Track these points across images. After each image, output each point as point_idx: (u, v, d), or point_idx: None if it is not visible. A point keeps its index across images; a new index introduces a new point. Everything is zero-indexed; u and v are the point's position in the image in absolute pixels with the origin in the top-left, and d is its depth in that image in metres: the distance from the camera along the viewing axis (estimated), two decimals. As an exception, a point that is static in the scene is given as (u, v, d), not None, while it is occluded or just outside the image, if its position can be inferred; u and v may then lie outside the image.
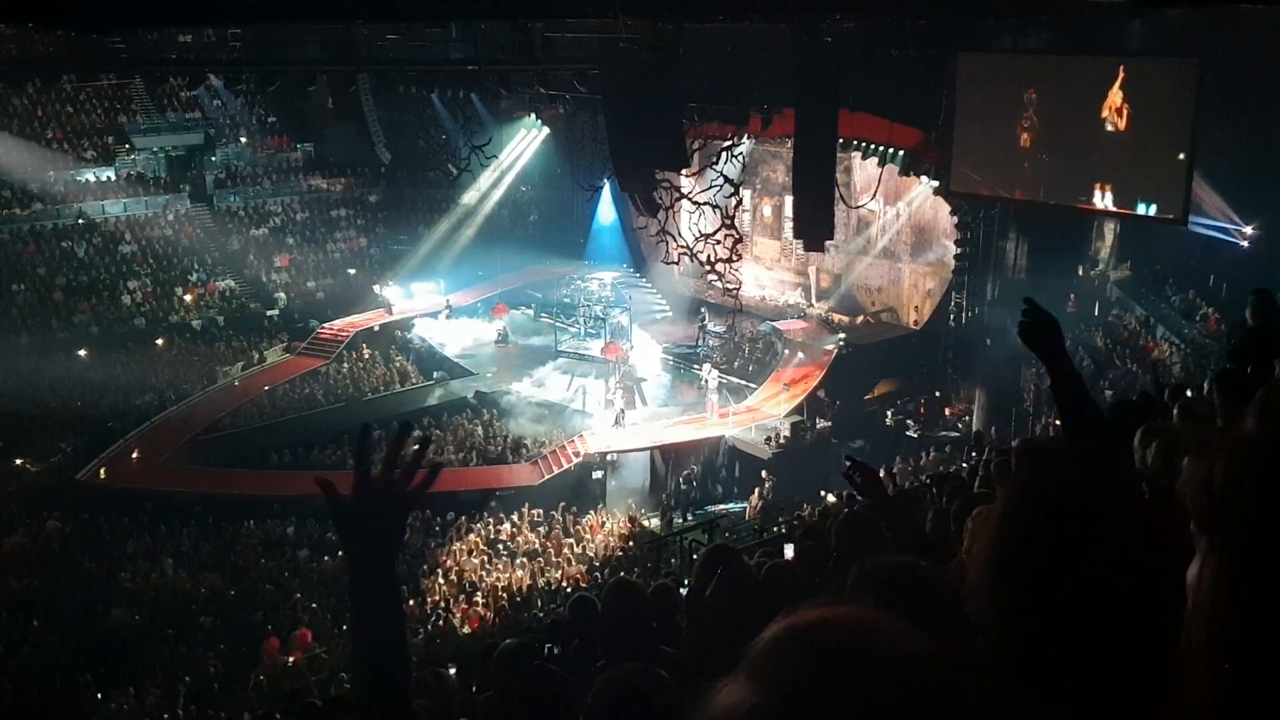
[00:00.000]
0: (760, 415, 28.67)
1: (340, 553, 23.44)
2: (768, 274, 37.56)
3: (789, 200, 30.43)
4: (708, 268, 24.46)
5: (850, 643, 0.98)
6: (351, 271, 38.87)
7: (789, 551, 8.66)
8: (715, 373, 29.56)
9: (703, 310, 34.30)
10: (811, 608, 1.03)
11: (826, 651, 0.97)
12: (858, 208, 31.56)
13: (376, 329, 35.05)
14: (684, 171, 23.01)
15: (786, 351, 32.19)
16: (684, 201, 24.73)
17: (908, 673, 0.95)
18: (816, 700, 0.93)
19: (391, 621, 2.10)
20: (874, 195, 29.21)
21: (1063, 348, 3.12)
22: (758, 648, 1.01)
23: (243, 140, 40.38)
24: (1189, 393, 7.87)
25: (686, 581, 8.69)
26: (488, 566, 22.86)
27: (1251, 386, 4.40)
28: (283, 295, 36.81)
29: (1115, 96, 22.03)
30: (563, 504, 25.21)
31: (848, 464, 3.93)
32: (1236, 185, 22.62)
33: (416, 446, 2.09)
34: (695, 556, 16.88)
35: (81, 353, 32.11)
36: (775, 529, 19.59)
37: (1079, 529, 1.72)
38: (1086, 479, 2.47)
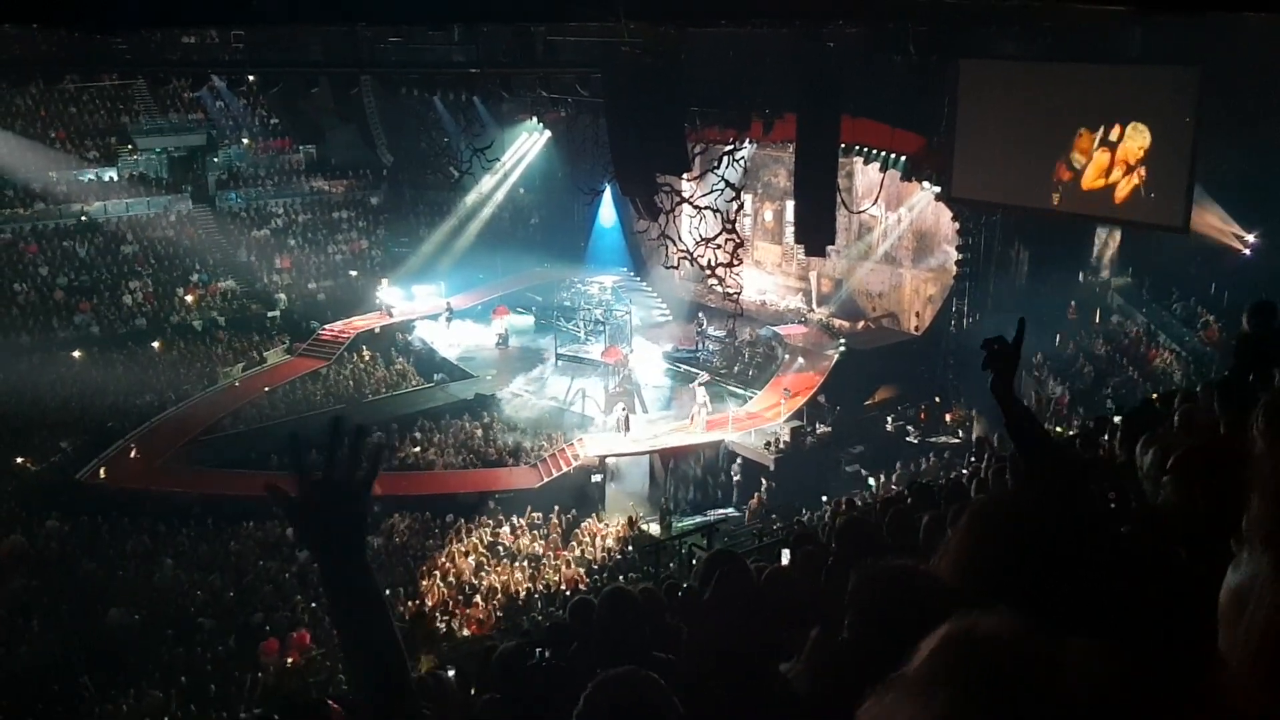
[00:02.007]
0: (760, 420, 28.68)
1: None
2: (768, 279, 37.56)
3: (790, 205, 30.48)
4: (708, 272, 24.46)
5: (1023, 659, 0.95)
6: (353, 273, 38.89)
7: (785, 557, 8.65)
8: (704, 392, 29.48)
9: (700, 315, 34.31)
10: (970, 619, 1.00)
11: (999, 667, 0.94)
12: (859, 213, 31.57)
13: (377, 331, 35.06)
14: (685, 175, 23.00)
15: (787, 356, 32.19)
16: (685, 205, 24.73)
17: (1084, 690, 0.93)
18: (987, 712, 0.91)
19: (375, 618, 2.07)
20: (875, 200, 29.25)
21: (1012, 385, 3.09)
22: (918, 664, 0.97)
23: (245, 141, 40.40)
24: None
25: (685, 585, 8.68)
26: (486, 569, 22.85)
27: (1252, 394, 4.41)
28: (284, 296, 36.82)
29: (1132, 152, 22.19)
30: (558, 507, 25.23)
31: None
32: (1238, 193, 22.63)
33: (352, 438, 2.07)
34: (695, 561, 16.89)
35: (76, 353, 32.08)
36: (774, 533, 19.58)
37: (1034, 538, 1.75)
38: (1043, 493, 2.49)
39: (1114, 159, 22.59)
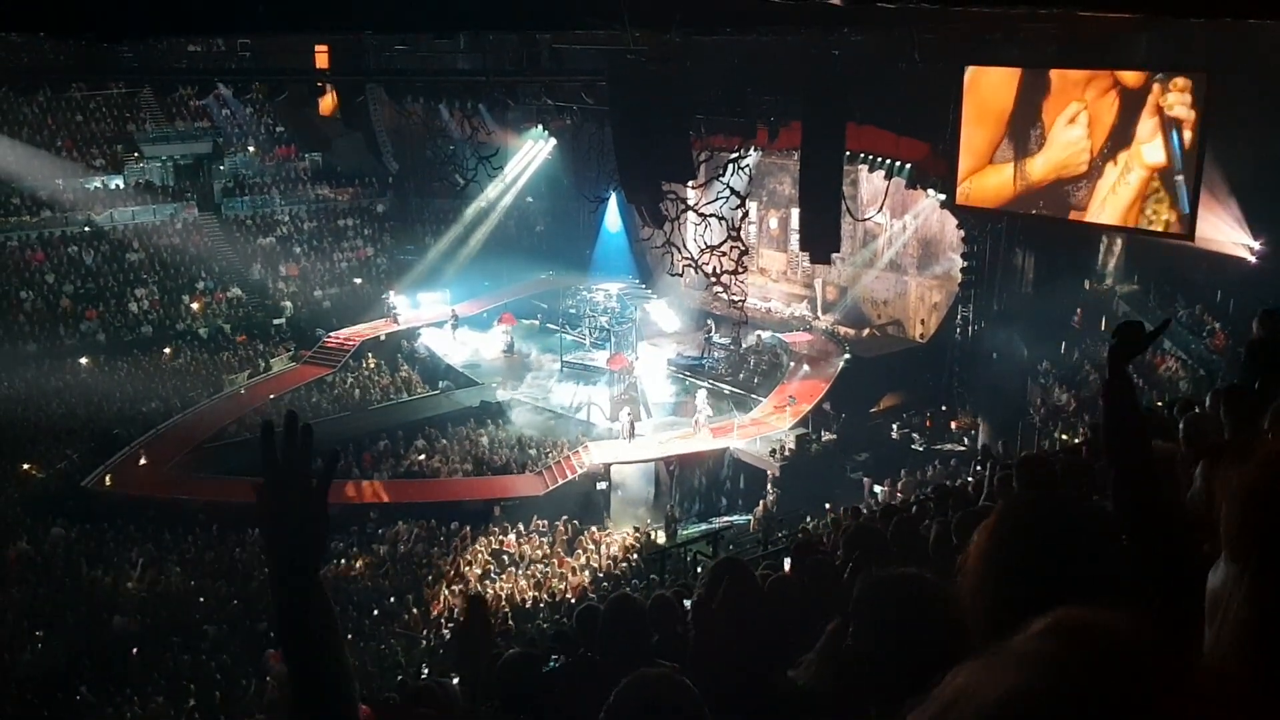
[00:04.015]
0: (765, 428, 28.65)
1: (343, 560, 23.46)
2: (774, 286, 37.56)
3: (795, 212, 30.46)
4: (713, 280, 24.46)
5: (1133, 648, 0.96)
6: (358, 281, 38.95)
7: (788, 564, 8.63)
8: (707, 404, 29.47)
9: (709, 322, 34.32)
10: (1091, 610, 1.01)
11: (1109, 651, 0.95)
12: (864, 220, 31.58)
13: (382, 338, 35.10)
14: (690, 183, 23.02)
15: (792, 364, 32.18)
16: (690, 213, 24.74)
17: (1181, 689, 0.94)
18: (1095, 695, 0.92)
19: (327, 641, 1.93)
20: (880, 208, 29.22)
21: (1127, 372, 3.00)
22: (1028, 636, 0.98)
23: (251, 149, 40.50)
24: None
25: (692, 592, 8.66)
26: (492, 576, 22.84)
27: (1258, 403, 4.39)
28: (289, 304, 36.88)
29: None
30: (565, 516, 25.21)
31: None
32: (1245, 200, 22.59)
33: (301, 435, 1.91)
34: (699, 569, 16.84)
35: (83, 361, 32.14)
36: (779, 540, 19.56)
37: (1061, 544, 1.75)
38: (1073, 497, 2.46)
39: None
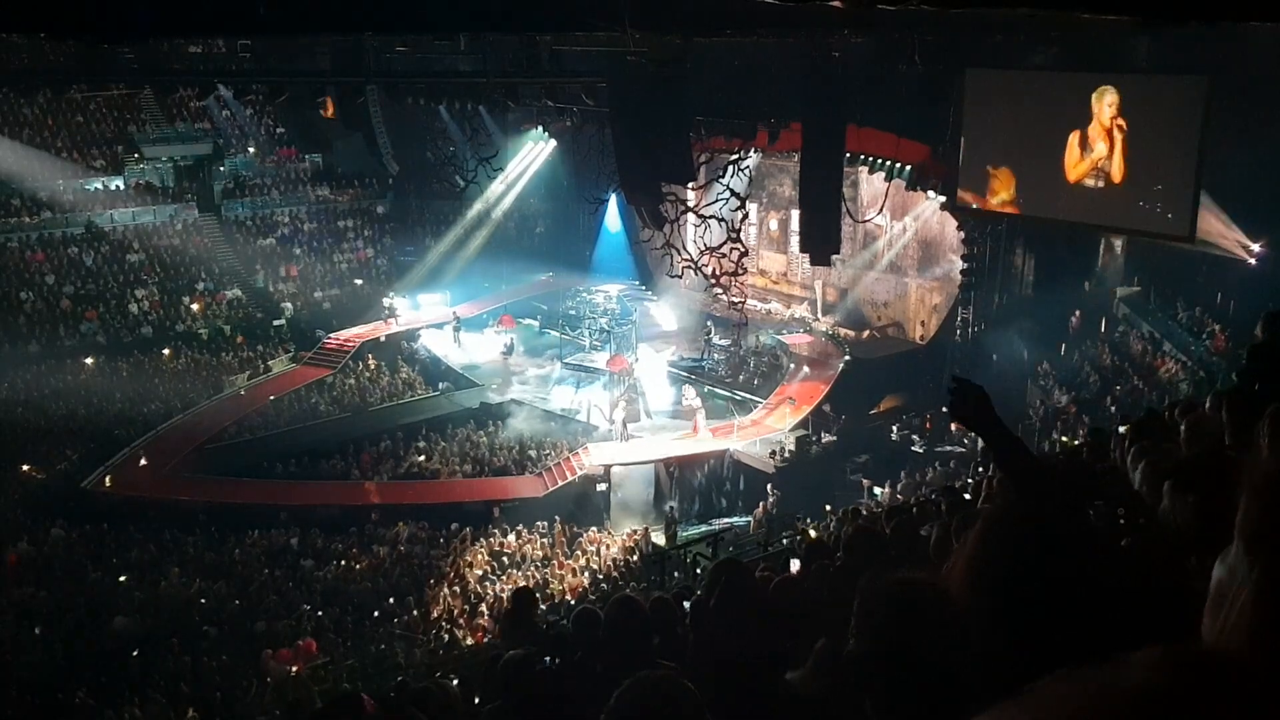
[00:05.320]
0: (765, 429, 28.62)
1: (342, 562, 23.46)
2: (774, 288, 37.55)
3: (795, 214, 30.48)
4: (713, 281, 24.47)
5: (1247, 679, 0.95)
6: (358, 282, 38.94)
7: (794, 566, 8.63)
8: (696, 396, 29.48)
9: (708, 324, 34.31)
10: (1187, 643, 1.00)
11: (1226, 685, 0.94)
12: (864, 222, 31.58)
13: (382, 339, 35.07)
14: (690, 185, 23.02)
15: (792, 365, 32.17)
16: (690, 215, 24.74)
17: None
18: None
19: None
20: (880, 210, 29.23)
21: (995, 415, 3.02)
22: (1137, 667, 0.96)
23: (251, 150, 40.48)
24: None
25: (692, 591, 8.66)
26: (491, 578, 22.82)
27: (1260, 405, 4.39)
28: (289, 305, 36.87)
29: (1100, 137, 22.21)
30: (561, 517, 25.17)
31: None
32: (1245, 202, 22.60)
33: None
34: (700, 570, 16.85)
35: (87, 361, 32.15)
36: (780, 542, 19.54)
37: (1041, 549, 1.77)
38: (1052, 505, 2.48)
39: (1087, 136, 22.62)
